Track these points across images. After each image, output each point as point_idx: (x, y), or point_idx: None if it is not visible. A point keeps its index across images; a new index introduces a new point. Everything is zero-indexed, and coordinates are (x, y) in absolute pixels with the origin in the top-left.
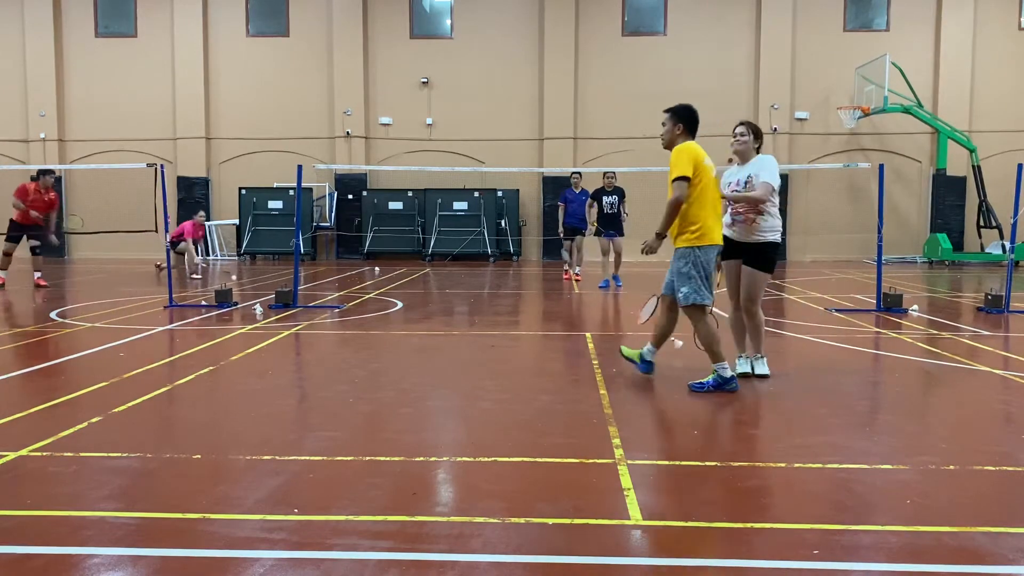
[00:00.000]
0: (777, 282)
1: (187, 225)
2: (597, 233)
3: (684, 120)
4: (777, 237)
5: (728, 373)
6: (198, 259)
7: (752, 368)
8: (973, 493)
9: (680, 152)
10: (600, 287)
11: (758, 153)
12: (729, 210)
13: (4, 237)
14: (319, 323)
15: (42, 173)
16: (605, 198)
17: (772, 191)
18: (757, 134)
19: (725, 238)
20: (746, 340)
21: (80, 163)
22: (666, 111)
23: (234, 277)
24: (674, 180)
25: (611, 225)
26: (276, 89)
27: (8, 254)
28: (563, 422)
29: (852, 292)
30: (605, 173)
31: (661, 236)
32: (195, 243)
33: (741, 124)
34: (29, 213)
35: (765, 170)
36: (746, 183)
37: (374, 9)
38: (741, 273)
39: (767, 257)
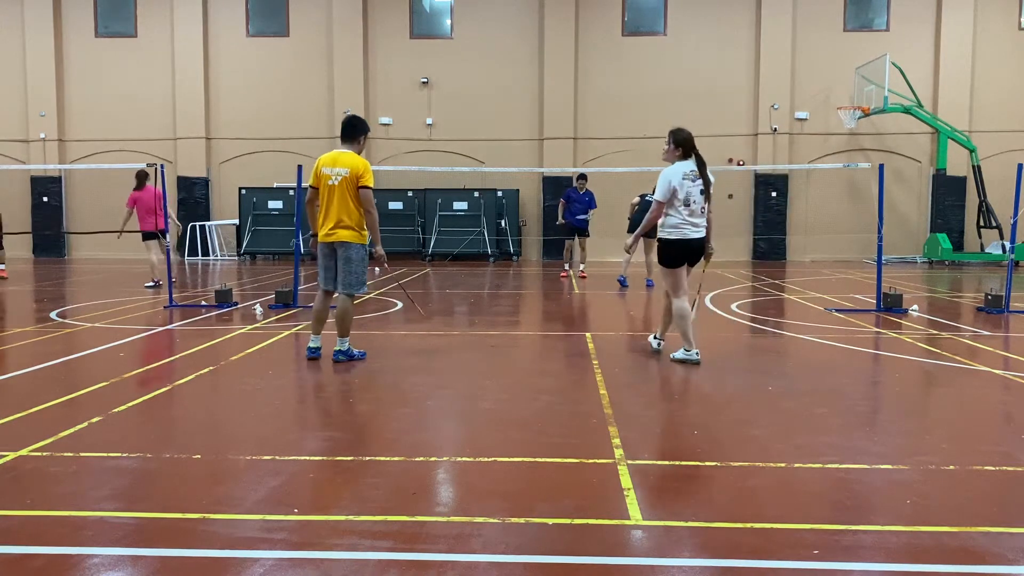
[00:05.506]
0: (777, 282)
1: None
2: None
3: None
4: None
5: (314, 346)
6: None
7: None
8: (973, 493)
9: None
10: (648, 284)
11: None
12: (703, 213)
13: None
14: None
15: None
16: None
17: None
18: (677, 144)
19: (690, 241)
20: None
21: (80, 163)
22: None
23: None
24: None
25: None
26: (276, 89)
27: None
28: (563, 422)
29: (852, 292)
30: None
31: (315, 235)
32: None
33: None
34: None
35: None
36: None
37: (374, 9)
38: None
39: None
